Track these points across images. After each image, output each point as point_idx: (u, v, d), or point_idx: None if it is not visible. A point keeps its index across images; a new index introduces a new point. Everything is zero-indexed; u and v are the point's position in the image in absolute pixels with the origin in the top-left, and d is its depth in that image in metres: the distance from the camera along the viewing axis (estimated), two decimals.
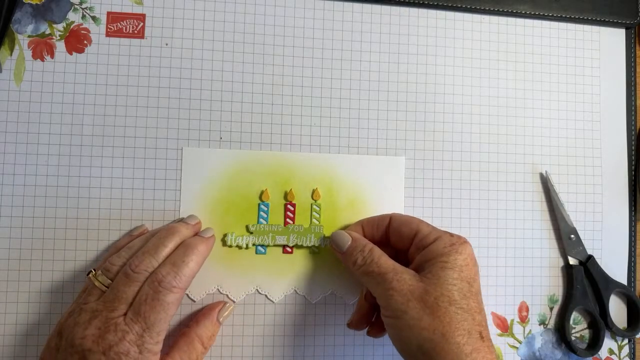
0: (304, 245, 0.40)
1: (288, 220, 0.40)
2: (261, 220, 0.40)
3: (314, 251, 0.40)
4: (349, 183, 0.41)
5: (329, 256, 0.41)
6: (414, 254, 0.36)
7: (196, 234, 0.37)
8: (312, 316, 0.41)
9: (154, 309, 0.31)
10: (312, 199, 0.41)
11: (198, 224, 0.38)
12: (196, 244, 0.35)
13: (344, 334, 0.41)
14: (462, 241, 0.34)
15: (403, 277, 0.33)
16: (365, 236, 0.39)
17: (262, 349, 0.40)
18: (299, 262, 0.40)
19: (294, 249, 0.40)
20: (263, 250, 0.40)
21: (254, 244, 0.39)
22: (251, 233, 0.40)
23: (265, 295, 0.40)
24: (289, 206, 0.40)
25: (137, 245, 0.36)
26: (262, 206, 0.40)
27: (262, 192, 0.40)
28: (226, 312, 0.38)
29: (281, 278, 0.40)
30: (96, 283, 0.33)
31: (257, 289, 0.40)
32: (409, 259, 0.36)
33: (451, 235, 0.35)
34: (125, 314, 0.31)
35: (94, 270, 0.34)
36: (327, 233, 0.40)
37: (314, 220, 0.40)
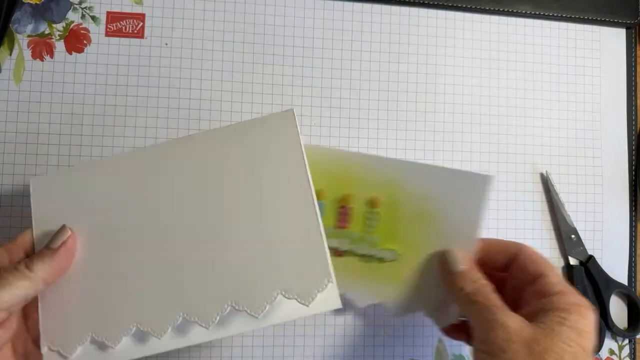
0: (357, 252, 0.37)
1: (340, 223, 0.37)
2: None
3: (364, 261, 0.37)
4: (417, 195, 0.36)
5: (382, 269, 0.36)
6: (529, 298, 0.32)
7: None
8: (312, 317, 0.41)
9: None
10: (370, 206, 0.36)
11: None
12: None
13: (343, 334, 0.41)
14: (588, 306, 0.31)
15: (511, 315, 0.29)
16: (484, 258, 0.35)
17: (262, 349, 0.40)
18: (349, 268, 0.37)
19: (345, 255, 0.37)
20: None
21: None
22: None
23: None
24: (343, 210, 0.37)
25: None
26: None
27: (318, 191, 0.34)
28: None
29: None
30: None
31: None
32: (520, 302, 0.33)
33: (578, 294, 0.31)
34: None
35: None
36: (384, 245, 0.36)
37: (368, 228, 0.37)
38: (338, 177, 0.36)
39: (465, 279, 0.33)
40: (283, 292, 0.29)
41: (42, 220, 0.32)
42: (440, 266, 0.35)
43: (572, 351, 0.28)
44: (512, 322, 0.29)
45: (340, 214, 0.37)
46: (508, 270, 0.35)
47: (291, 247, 0.31)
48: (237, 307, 0.29)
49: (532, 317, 0.30)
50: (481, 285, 0.32)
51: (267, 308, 0.29)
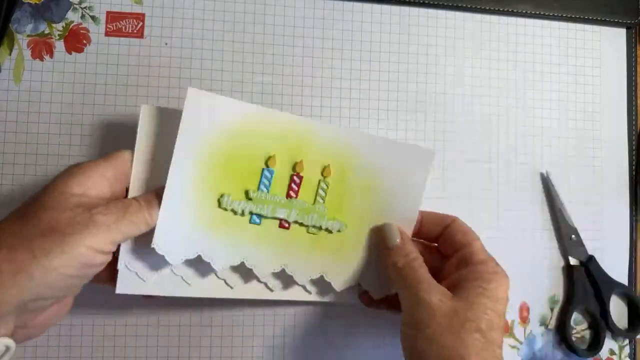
0: (305, 223, 0.36)
1: (291, 193, 0.36)
2: (262, 187, 0.35)
3: (312, 232, 0.36)
4: (366, 166, 0.37)
5: (327, 240, 0.37)
6: (453, 266, 0.35)
7: None
8: (311, 317, 0.41)
9: None
10: (322, 175, 0.36)
11: None
12: None
13: (344, 334, 0.41)
14: (505, 274, 0.34)
15: (436, 291, 0.32)
16: (421, 229, 0.38)
17: (262, 349, 0.40)
18: (293, 240, 0.36)
19: (291, 226, 0.36)
20: (258, 221, 0.35)
21: (250, 212, 0.35)
22: (250, 199, 0.35)
23: (252, 269, 0.35)
24: (295, 178, 0.36)
25: None
26: (266, 172, 0.35)
27: (269, 157, 0.35)
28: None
29: (272, 253, 0.36)
30: None
31: (243, 261, 0.35)
32: (446, 269, 0.36)
33: (496, 263, 0.34)
34: None
35: None
36: (331, 216, 0.36)
37: (318, 198, 0.36)
38: (292, 144, 0.36)
39: (399, 253, 0.35)
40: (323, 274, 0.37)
41: (143, 149, 0.34)
42: (378, 240, 0.37)
43: (488, 318, 0.31)
44: (434, 297, 0.31)
45: (292, 183, 0.36)
46: (436, 240, 0.38)
47: None
48: (287, 271, 0.36)
49: (454, 285, 0.33)
50: (412, 259, 0.34)
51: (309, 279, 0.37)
